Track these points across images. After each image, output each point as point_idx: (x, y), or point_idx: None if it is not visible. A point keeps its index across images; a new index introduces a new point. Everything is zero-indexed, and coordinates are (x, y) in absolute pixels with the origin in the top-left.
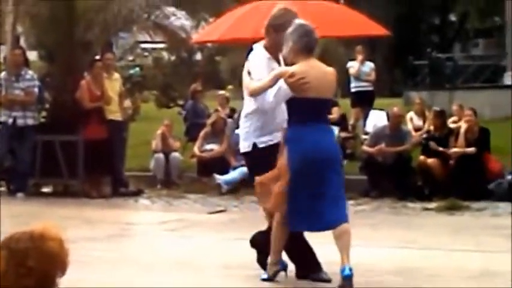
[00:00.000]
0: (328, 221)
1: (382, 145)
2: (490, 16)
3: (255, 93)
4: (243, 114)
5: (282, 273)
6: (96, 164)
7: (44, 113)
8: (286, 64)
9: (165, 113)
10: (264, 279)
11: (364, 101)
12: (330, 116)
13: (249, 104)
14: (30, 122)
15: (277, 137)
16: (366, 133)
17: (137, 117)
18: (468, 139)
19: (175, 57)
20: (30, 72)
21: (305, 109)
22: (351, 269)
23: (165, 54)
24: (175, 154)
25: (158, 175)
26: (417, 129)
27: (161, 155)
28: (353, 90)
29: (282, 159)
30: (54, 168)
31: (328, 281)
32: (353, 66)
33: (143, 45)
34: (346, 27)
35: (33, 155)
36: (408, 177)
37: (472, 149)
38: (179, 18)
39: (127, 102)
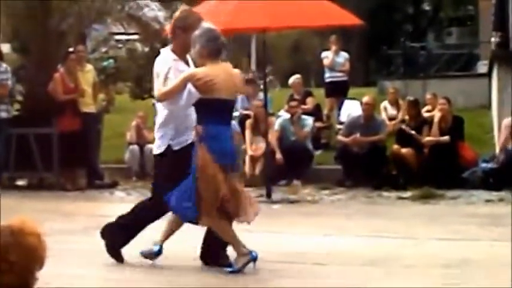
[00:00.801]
0: None
1: (357, 135)
2: (464, 5)
3: (165, 98)
4: (158, 119)
5: (251, 264)
6: (71, 156)
7: (17, 106)
8: (196, 65)
9: (139, 104)
10: (232, 272)
11: (338, 91)
12: (305, 107)
13: (162, 109)
14: (3, 114)
15: (190, 137)
16: (341, 123)
17: (111, 109)
18: (442, 128)
19: (149, 48)
20: (4, 65)
21: (216, 109)
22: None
23: (138, 46)
24: (150, 146)
25: (133, 167)
26: (391, 119)
27: (136, 147)
28: (327, 80)
29: (199, 160)
30: (29, 161)
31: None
32: (327, 57)
33: (117, 37)
34: (319, 17)
35: (7, 148)
36: (383, 167)
37: (446, 138)
38: (153, 10)
39: (101, 95)
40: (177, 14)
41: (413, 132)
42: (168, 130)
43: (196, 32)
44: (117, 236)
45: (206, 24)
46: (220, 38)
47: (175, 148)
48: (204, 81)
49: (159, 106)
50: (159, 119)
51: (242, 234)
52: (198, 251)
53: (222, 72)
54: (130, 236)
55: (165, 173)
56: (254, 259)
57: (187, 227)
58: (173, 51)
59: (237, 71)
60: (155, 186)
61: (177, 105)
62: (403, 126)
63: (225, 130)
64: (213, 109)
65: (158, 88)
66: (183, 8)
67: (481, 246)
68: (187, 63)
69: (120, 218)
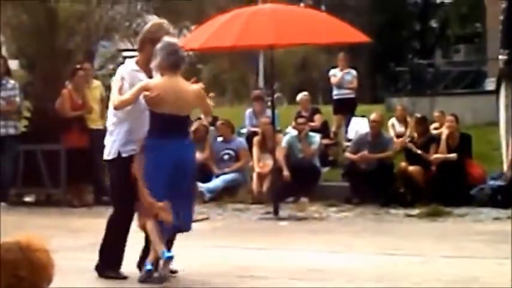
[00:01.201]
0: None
1: (365, 152)
2: (471, 22)
3: (119, 107)
4: (109, 124)
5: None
6: (78, 172)
7: (25, 122)
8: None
9: None
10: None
11: (346, 108)
12: (312, 124)
13: (113, 115)
14: (11, 131)
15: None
16: (348, 140)
17: None
18: (450, 145)
19: None
20: (12, 81)
21: (160, 123)
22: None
23: None
24: None
25: None
26: (399, 136)
27: None
28: (335, 97)
29: (136, 169)
30: (36, 178)
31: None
32: (335, 75)
33: (125, 54)
34: (327, 34)
35: (15, 165)
36: (390, 184)
37: (453, 155)
38: None
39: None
40: (148, 26)
41: (419, 151)
42: (119, 135)
43: (158, 45)
44: (107, 257)
45: (167, 38)
46: (179, 52)
47: (124, 155)
48: (153, 95)
49: (110, 113)
50: (111, 121)
51: (250, 251)
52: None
53: (175, 88)
54: (118, 253)
55: (115, 179)
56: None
57: None
58: (136, 62)
59: (194, 86)
60: (112, 193)
61: (125, 114)
62: (409, 145)
63: (165, 144)
64: (156, 122)
65: (114, 96)
66: (155, 21)
67: (489, 264)
68: (150, 75)
69: (102, 240)
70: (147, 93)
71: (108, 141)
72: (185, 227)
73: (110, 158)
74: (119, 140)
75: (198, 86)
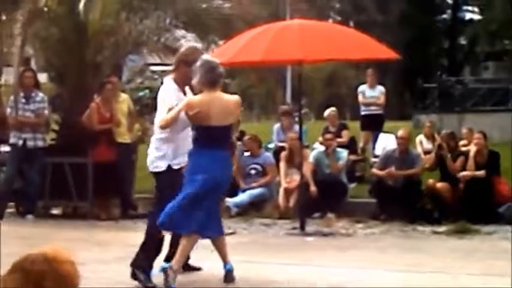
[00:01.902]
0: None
1: (392, 168)
2: (500, 39)
3: (166, 127)
4: (156, 138)
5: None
6: (105, 186)
7: (53, 135)
8: (195, 93)
9: None
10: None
11: (373, 124)
12: (340, 140)
13: (160, 132)
14: (40, 143)
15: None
16: (376, 156)
17: (146, 139)
18: (478, 162)
19: None
20: (41, 94)
21: (208, 135)
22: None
23: None
24: None
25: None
26: (427, 153)
27: None
28: (363, 113)
29: None
30: (64, 190)
31: None
32: (363, 91)
33: (153, 68)
34: (355, 50)
35: (42, 177)
36: (418, 201)
37: (481, 172)
38: (189, 41)
39: (137, 126)
40: (183, 49)
41: (449, 155)
42: (168, 151)
43: (197, 63)
44: (141, 261)
45: (205, 56)
46: (217, 69)
47: (175, 168)
48: (194, 112)
49: (157, 129)
50: (158, 136)
51: (275, 266)
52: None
53: (216, 100)
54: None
55: (164, 189)
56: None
57: None
58: (175, 81)
59: (233, 97)
60: (158, 203)
61: (172, 131)
62: (442, 146)
63: (213, 153)
64: (204, 135)
65: (162, 115)
66: (190, 45)
67: None
68: (184, 93)
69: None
70: (190, 112)
71: (155, 154)
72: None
73: (159, 170)
74: (169, 154)
75: (236, 96)
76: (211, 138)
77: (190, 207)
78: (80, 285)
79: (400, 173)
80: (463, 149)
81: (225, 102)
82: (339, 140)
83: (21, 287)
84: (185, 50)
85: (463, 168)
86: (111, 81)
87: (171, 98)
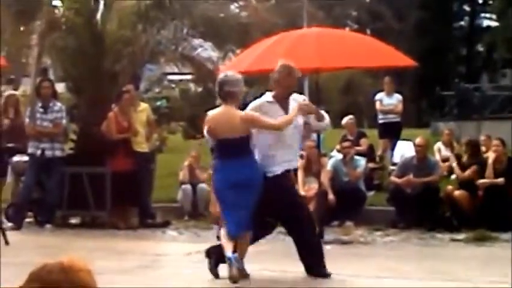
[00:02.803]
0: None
1: (410, 176)
2: None
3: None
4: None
5: None
6: (123, 195)
7: (71, 145)
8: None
9: (192, 144)
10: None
11: (391, 132)
12: (358, 148)
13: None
14: (58, 153)
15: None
16: (394, 164)
17: (164, 149)
18: (496, 169)
19: (202, 88)
20: (59, 104)
21: (219, 147)
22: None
23: (192, 86)
24: (203, 185)
25: (185, 206)
26: (445, 160)
27: (188, 186)
28: (380, 121)
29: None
30: (82, 200)
31: None
32: (381, 99)
33: (170, 77)
34: (372, 58)
35: (60, 187)
36: (436, 208)
37: (500, 180)
38: (206, 50)
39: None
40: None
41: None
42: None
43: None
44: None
45: (227, 71)
46: (225, 86)
47: (269, 175)
48: (206, 127)
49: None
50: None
51: (295, 275)
52: None
53: (223, 115)
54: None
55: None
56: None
57: None
58: (273, 96)
59: (241, 113)
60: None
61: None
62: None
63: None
64: (217, 147)
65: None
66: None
67: None
68: (285, 107)
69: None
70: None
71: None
72: (234, 232)
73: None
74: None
75: (244, 113)
76: (222, 149)
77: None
78: None
79: (418, 181)
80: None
81: (231, 116)
82: (357, 148)
83: None
84: (278, 68)
85: (481, 176)
86: (127, 89)
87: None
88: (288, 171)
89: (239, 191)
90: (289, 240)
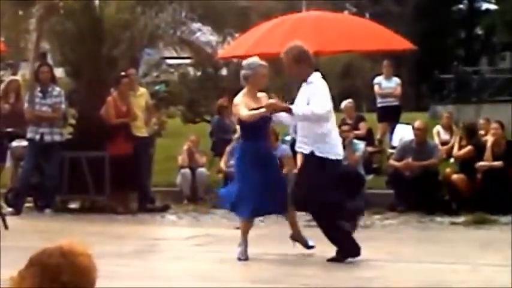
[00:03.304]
0: None
1: (409, 159)
2: None
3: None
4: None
5: None
6: (122, 180)
7: (70, 129)
8: None
9: (191, 128)
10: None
11: (390, 116)
12: (357, 132)
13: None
14: (57, 138)
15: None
16: (393, 147)
17: (163, 133)
18: (495, 152)
19: (201, 72)
20: (58, 88)
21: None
22: None
23: (190, 70)
24: (202, 169)
25: (185, 190)
26: (444, 143)
27: (188, 171)
28: (379, 105)
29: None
30: (81, 184)
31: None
32: (379, 83)
33: (169, 61)
34: (371, 41)
35: (60, 171)
36: (435, 192)
37: (499, 163)
38: (205, 34)
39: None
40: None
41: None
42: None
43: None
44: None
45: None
46: (243, 69)
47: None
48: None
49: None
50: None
51: (294, 258)
52: None
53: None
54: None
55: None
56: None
57: None
58: None
59: (262, 94)
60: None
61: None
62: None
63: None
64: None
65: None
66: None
67: None
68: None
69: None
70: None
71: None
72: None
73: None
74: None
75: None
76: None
77: None
78: (98, 278)
79: (418, 164)
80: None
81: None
82: (356, 132)
83: (39, 281)
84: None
85: (480, 159)
86: (129, 73)
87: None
88: None
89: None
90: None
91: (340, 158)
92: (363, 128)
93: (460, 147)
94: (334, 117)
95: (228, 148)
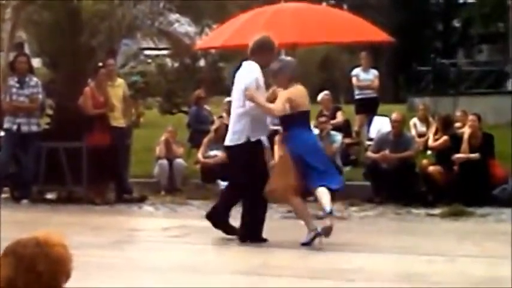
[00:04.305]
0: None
1: (386, 151)
2: (494, 22)
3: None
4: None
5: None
6: (100, 170)
7: (47, 120)
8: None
9: (168, 119)
10: (303, 244)
11: (368, 108)
12: (334, 121)
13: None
14: (34, 128)
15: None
16: (370, 139)
17: (141, 124)
18: (472, 145)
19: (179, 63)
20: (35, 79)
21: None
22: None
23: (168, 61)
24: (179, 160)
25: (162, 181)
26: (421, 136)
27: (165, 161)
28: (357, 97)
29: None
30: (58, 175)
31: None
32: (357, 74)
33: (146, 52)
34: (349, 33)
35: (37, 162)
36: (412, 183)
37: (475, 155)
38: (183, 25)
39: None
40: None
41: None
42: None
43: (280, 63)
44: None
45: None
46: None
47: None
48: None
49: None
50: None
51: (271, 250)
52: None
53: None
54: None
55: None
56: (320, 234)
57: None
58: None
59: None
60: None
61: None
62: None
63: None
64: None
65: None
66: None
67: (510, 264)
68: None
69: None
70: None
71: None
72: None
73: (240, 142)
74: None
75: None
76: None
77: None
78: (74, 269)
79: (395, 156)
80: (457, 131)
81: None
82: (333, 121)
83: (15, 271)
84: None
85: (456, 151)
86: (108, 63)
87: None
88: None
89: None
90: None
91: None
92: (339, 116)
93: (436, 140)
94: None
95: (206, 139)
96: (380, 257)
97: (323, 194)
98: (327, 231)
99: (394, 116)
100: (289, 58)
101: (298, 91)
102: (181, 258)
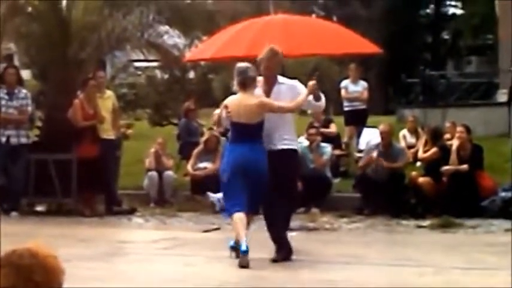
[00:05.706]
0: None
1: (374, 154)
2: (483, 34)
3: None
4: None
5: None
6: (89, 182)
7: (37, 132)
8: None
9: (158, 131)
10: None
11: (357, 119)
12: (327, 130)
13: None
14: (23, 140)
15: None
16: (360, 151)
17: (130, 136)
18: (461, 156)
19: (169, 75)
20: (24, 90)
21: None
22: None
23: (158, 73)
24: (169, 172)
25: (152, 193)
26: (410, 147)
27: (155, 173)
28: (346, 109)
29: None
30: (48, 187)
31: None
32: (346, 86)
33: (136, 64)
34: (338, 45)
35: (26, 174)
36: (402, 195)
37: (464, 166)
38: (172, 37)
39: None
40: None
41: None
42: None
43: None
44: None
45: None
46: (245, 72)
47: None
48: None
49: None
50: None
51: (260, 261)
52: None
53: (242, 101)
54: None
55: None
56: (237, 252)
57: None
58: None
59: (255, 100)
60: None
61: None
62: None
63: (235, 147)
64: (232, 130)
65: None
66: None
67: (500, 276)
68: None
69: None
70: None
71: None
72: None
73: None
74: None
75: (258, 99)
76: (235, 133)
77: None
78: (64, 281)
79: (384, 165)
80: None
81: (249, 103)
82: (327, 130)
83: (13, 282)
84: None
85: (445, 162)
86: (98, 75)
87: None
88: None
89: (250, 171)
90: (254, 227)
91: None
92: (333, 127)
93: (425, 151)
94: None
95: (195, 151)
96: (369, 268)
97: (239, 223)
98: (243, 264)
99: (381, 127)
100: (243, 64)
101: (235, 99)
102: (170, 270)
